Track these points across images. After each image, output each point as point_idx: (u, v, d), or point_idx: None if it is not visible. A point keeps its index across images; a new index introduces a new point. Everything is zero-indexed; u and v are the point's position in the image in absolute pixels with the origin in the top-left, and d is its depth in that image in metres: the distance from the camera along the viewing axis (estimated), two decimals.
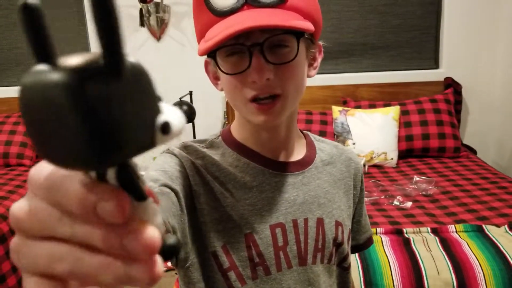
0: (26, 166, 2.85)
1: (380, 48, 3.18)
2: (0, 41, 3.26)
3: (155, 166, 0.70)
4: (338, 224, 0.79)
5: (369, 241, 0.95)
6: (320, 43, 0.77)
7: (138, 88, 0.22)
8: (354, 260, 1.52)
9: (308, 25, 0.66)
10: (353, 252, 0.95)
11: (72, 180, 0.23)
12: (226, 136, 0.79)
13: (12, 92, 3.25)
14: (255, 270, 0.72)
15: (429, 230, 1.71)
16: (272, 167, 0.77)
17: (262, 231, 0.73)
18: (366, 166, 2.66)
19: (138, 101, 0.22)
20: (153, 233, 0.24)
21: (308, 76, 0.76)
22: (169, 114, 0.24)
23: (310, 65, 0.76)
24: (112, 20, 0.20)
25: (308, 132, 0.87)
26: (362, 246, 0.94)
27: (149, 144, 0.23)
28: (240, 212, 0.72)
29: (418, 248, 1.59)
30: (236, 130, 0.79)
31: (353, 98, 3.09)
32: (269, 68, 0.65)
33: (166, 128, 0.24)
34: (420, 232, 1.71)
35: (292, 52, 0.67)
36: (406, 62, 3.19)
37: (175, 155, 0.73)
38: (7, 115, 3.07)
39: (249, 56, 0.65)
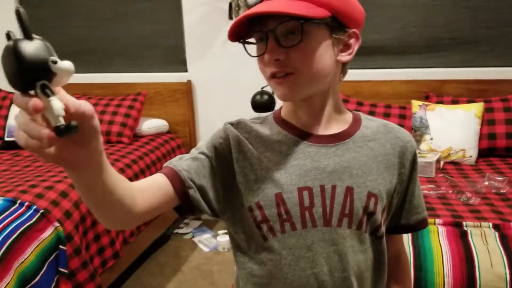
0: (125, 143, 3.18)
1: (470, 43, 3.07)
2: (106, 32, 3.65)
3: (206, 138, 0.90)
4: (371, 195, 0.86)
5: (422, 223, 0.98)
6: (356, 30, 0.85)
7: (39, 47, 0.47)
8: (407, 245, 1.55)
9: (311, 12, 0.76)
10: (403, 231, 1.00)
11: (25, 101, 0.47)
12: (276, 114, 0.94)
13: (114, 78, 3.63)
14: (283, 225, 0.85)
15: (491, 226, 1.69)
16: (307, 138, 0.88)
17: (291, 192, 0.84)
18: (442, 162, 2.61)
19: (39, 51, 0.46)
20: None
21: (340, 61, 0.84)
22: (60, 60, 0.47)
23: (343, 50, 0.85)
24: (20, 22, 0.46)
25: (360, 113, 0.95)
26: (413, 227, 0.97)
27: (48, 69, 0.46)
28: (273, 175, 0.85)
29: (475, 240, 1.58)
30: (283, 109, 0.94)
31: (437, 94, 3.02)
32: (280, 51, 0.79)
33: (54, 61, 0.46)
34: (480, 226, 1.69)
35: (302, 37, 0.78)
36: (498, 58, 3.04)
37: (226, 128, 0.90)
38: (111, 97, 3.45)
39: (265, 41, 0.80)
